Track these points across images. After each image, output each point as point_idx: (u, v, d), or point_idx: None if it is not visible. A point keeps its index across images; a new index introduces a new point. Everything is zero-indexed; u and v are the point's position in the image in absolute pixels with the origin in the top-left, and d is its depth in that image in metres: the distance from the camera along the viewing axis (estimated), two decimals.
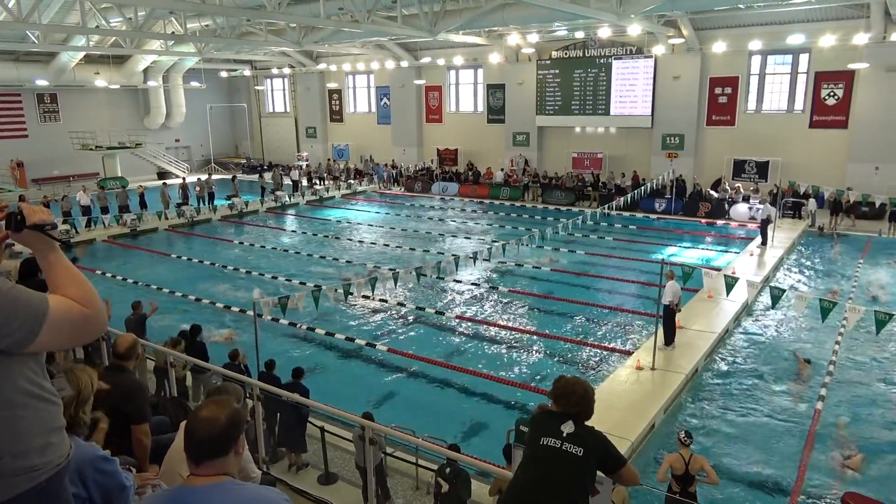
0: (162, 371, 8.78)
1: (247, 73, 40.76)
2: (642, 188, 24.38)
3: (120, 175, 33.78)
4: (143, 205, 25.50)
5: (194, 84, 37.84)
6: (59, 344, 1.89)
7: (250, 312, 12.23)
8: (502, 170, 30.76)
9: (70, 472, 2.16)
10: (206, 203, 26.82)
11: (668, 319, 11.67)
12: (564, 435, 3.30)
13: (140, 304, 11.10)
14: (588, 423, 3.42)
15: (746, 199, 24.05)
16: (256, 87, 42.48)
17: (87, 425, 2.81)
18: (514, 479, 3.55)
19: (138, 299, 11.57)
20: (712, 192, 24.99)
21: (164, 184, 28.28)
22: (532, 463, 3.38)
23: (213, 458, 2.07)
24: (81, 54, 30.58)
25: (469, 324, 13.99)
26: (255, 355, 9.66)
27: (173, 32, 25.88)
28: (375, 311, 14.88)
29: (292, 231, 24.82)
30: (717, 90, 26.15)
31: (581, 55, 28.39)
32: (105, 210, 24.18)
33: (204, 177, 28.84)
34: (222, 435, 2.09)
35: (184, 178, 31.73)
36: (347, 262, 19.41)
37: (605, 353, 12.33)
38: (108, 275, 17.95)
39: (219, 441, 2.09)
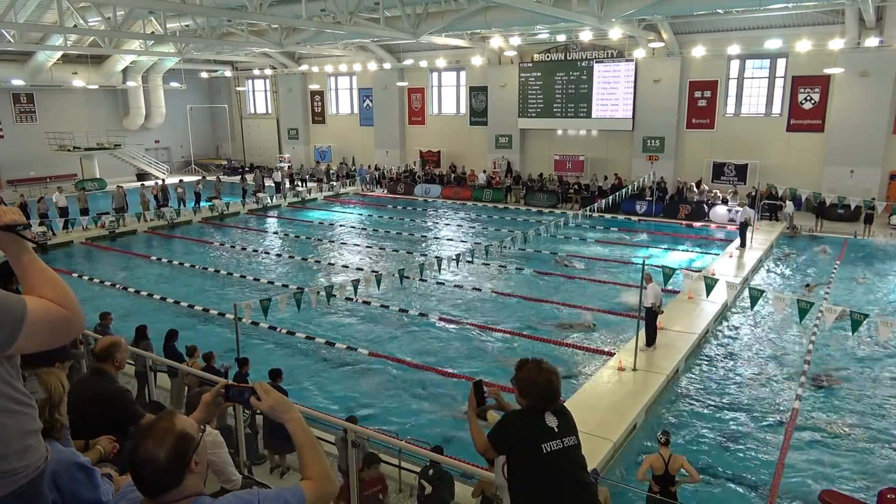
0: (142, 376, 8.68)
1: (228, 73, 40.44)
2: (624, 190, 24.59)
3: (98, 176, 33.37)
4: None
5: (174, 85, 37.47)
6: (37, 346, 1.85)
7: (230, 315, 12.15)
8: (485, 172, 30.85)
9: (46, 477, 2.12)
10: (187, 204, 26.59)
11: (650, 321, 11.79)
12: (557, 431, 3.19)
13: (108, 316, 10.87)
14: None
15: (725, 202, 24.39)
16: (237, 89, 42.15)
17: (65, 427, 2.75)
18: (530, 497, 3.19)
19: (108, 311, 11.36)
20: (695, 189, 25.29)
21: (143, 185, 28.03)
22: (547, 476, 3.12)
23: (165, 492, 1.92)
24: (59, 54, 30.12)
25: (452, 325, 14.00)
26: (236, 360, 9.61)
27: (153, 32, 25.62)
28: (358, 314, 14.83)
29: (274, 233, 24.66)
30: (697, 94, 26.47)
31: (563, 58, 28.57)
32: (84, 211, 23.83)
33: (194, 178, 28.89)
34: (166, 472, 1.90)
35: (163, 180, 31.45)
36: (330, 264, 19.33)
37: (587, 353, 12.40)
38: (86, 278, 17.69)
39: (164, 479, 1.90)
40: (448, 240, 22.55)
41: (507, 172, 30.59)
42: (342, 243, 22.30)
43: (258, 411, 2.30)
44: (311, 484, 2.10)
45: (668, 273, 11.75)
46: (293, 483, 2.11)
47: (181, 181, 29.23)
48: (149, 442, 1.91)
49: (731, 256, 18.79)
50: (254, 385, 2.24)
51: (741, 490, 8.32)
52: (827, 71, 22.90)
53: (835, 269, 17.97)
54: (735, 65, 25.91)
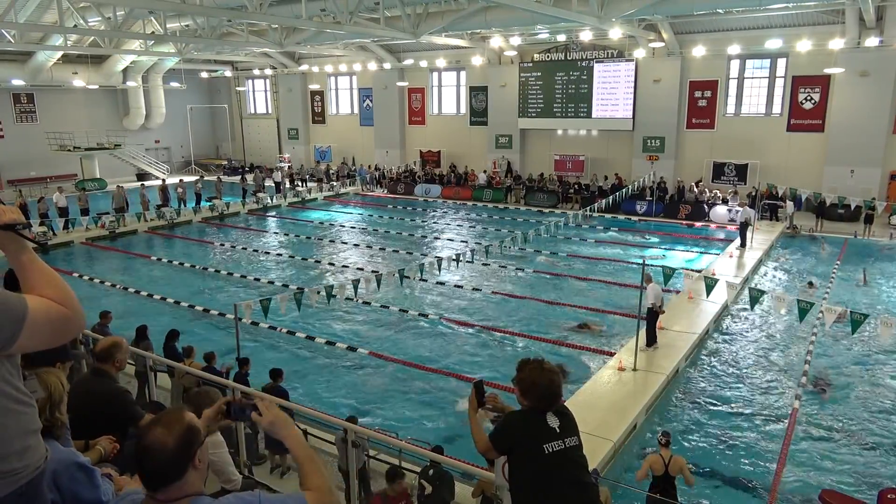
0: (142, 376, 8.68)
1: (228, 73, 40.44)
2: (624, 190, 24.59)
3: (98, 176, 33.37)
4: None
5: (174, 85, 37.48)
6: (38, 345, 1.87)
7: (230, 315, 12.15)
8: (485, 172, 30.85)
9: (46, 477, 2.12)
10: (188, 204, 26.60)
11: (651, 321, 11.79)
12: (558, 431, 3.18)
13: (108, 315, 10.89)
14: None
15: (725, 202, 24.38)
16: (238, 89, 42.14)
17: (65, 426, 2.76)
18: (531, 498, 3.19)
19: (107, 310, 11.39)
20: (695, 188, 25.28)
21: (143, 185, 28.06)
22: (548, 476, 3.13)
23: (167, 484, 1.93)
24: (59, 54, 30.12)
25: (452, 325, 13.99)
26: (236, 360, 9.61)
27: (153, 32, 25.62)
28: (358, 314, 14.82)
29: (274, 233, 24.65)
30: (697, 94, 26.46)
31: (563, 58, 28.56)
32: (85, 212, 23.83)
33: (193, 178, 28.97)
34: (172, 461, 1.92)
35: (163, 180, 31.48)
36: (330, 264, 19.33)
37: (587, 353, 12.40)
38: (86, 277, 17.69)
39: (168, 469, 1.92)
40: (448, 240, 22.55)
41: (507, 172, 30.59)
42: (342, 243, 22.30)
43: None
44: (313, 495, 2.11)
45: (669, 273, 11.74)
46: (293, 484, 2.12)
47: (181, 181, 29.25)
48: (158, 429, 1.95)
49: (731, 256, 18.79)
50: (256, 403, 2.33)
51: (741, 490, 8.32)
52: (827, 71, 22.90)
53: (835, 269, 17.97)
54: (735, 65, 25.90)
